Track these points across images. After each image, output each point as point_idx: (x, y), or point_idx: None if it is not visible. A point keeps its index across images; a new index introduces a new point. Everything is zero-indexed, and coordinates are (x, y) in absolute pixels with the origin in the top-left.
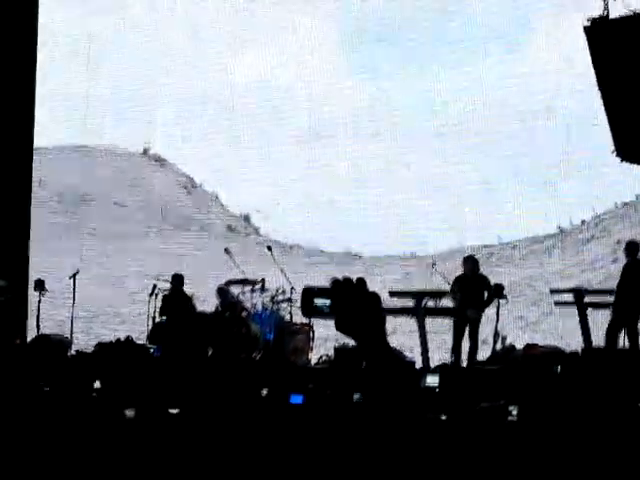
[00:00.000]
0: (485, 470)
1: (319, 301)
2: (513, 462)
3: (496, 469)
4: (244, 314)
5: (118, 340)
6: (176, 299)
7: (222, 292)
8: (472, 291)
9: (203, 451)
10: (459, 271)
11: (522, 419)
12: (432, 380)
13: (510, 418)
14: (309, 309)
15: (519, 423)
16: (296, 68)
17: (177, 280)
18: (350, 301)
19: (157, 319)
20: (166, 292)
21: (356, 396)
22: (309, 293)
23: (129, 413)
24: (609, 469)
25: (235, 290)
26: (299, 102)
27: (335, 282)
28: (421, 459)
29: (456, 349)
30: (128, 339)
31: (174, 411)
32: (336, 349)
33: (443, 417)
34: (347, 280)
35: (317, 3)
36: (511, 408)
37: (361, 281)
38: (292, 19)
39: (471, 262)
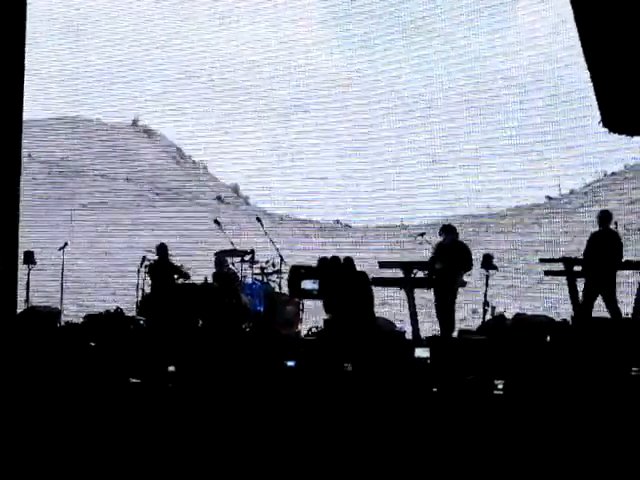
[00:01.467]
0: (471, 443)
1: (307, 283)
2: (499, 436)
3: (482, 443)
4: (237, 285)
5: (107, 312)
6: (161, 269)
7: (219, 261)
8: (451, 258)
9: (197, 421)
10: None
11: (509, 391)
12: (423, 353)
13: (496, 391)
14: (296, 290)
15: (505, 396)
16: (280, 40)
17: (162, 250)
18: (338, 281)
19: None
20: (151, 262)
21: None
22: (296, 273)
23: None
24: (601, 441)
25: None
26: (287, 74)
27: (322, 261)
28: (410, 432)
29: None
30: (117, 311)
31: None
32: (325, 321)
33: (434, 389)
34: (335, 259)
35: None
36: (497, 382)
37: (349, 260)
38: None
39: (448, 230)
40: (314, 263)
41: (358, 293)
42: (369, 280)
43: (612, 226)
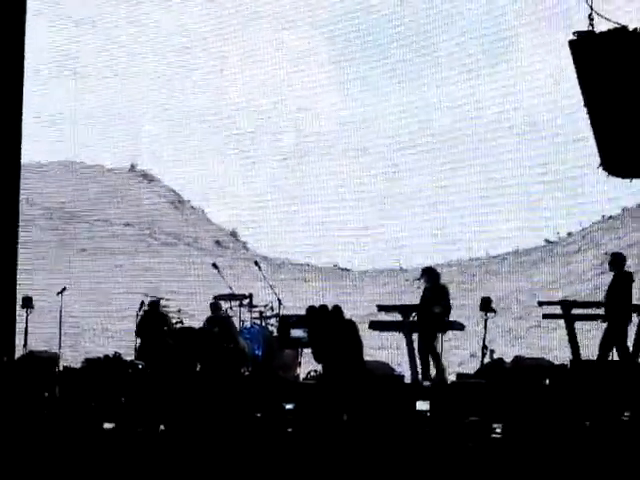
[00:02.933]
0: None
1: (296, 332)
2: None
3: None
4: (233, 329)
5: (106, 357)
6: (153, 319)
7: (214, 307)
8: (431, 302)
9: (192, 467)
10: (445, 284)
11: (507, 434)
12: (423, 405)
13: (494, 435)
14: (286, 340)
15: (504, 439)
16: (282, 85)
17: (153, 306)
18: (326, 330)
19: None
20: (143, 311)
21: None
22: (286, 323)
23: (110, 426)
24: None
25: (223, 305)
26: (287, 119)
27: (311, 310)
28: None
29: (419, 363)
30: (116, 355)
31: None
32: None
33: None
34: (323, 308)
35: (305, 20)
36: (495, 425)
37: (337, 309)
38: (280, 36)
39: (428, 273)
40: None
41: (346, 342)
42: (357, 328)
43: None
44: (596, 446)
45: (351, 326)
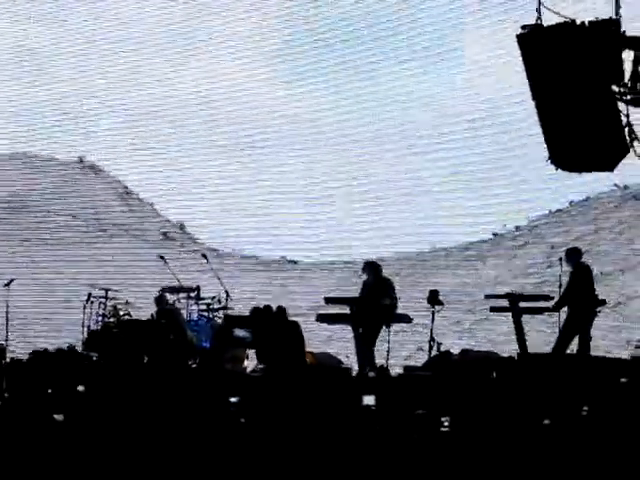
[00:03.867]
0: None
1: (240, 332)
2: (446, 471)
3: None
4: (181, 320)
5: (60, 349)
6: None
7: (159, 299)
8: (375, 295)
9: (141, 457)
10: (392, 277)
11: (455, 427)
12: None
13: (443, 428)
14: (229, 340)
15: (452, 432)
16: (232, 79)
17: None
18: (270, 331)
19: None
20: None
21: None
22: (229, 322)
23: (58, 418)
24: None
25: (171, 298)
26: (235, 111)
27: (255, 311)
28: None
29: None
30: (70, 348)
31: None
32: None
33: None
34: (267, 308)
35: (253, 13)
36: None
37: (281, 310)
38: (230, 30)
39: (370, 267)
40: (260, 299)
41: (290, 343)
42: (301, 330)
43: (556, 262)
44: (547, 439)
45: (295, 327)
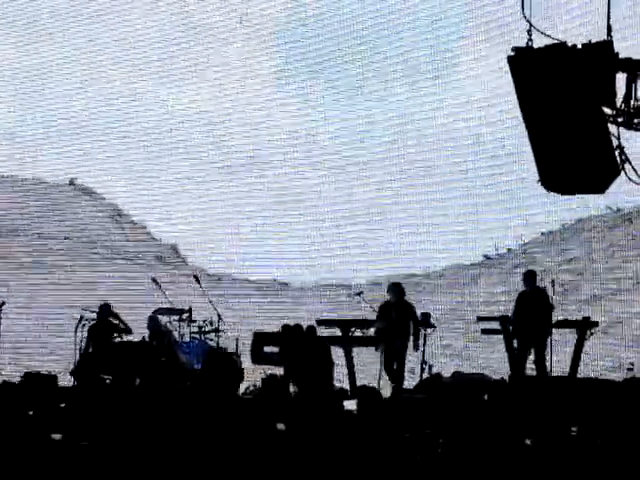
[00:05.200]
0: None
1: (269, 349)
2: None
3: None
4: (173, 341)
5: (49, 373)
6: (101, 329)
7: (152, 320)
8: (397, 318)
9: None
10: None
11: (447, 449)
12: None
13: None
14: (258, 356)
15: (444, 453)
16: (227, 102)
17: (103, 311)
18: (300, 350)
19: (83, 350)
20: (93, 322)
21: (280, 426)
22: (259, 339)
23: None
24: None
25: (163, 319)
26: (227, 134)
27: (285, 328)
28: None
29: (387, 375)
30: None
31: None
32: (263, 379)
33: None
34: (298, 327)
35: (249, 35)
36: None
37: (311, 329)
38: (225, 51)
39: (394, 289)
40: (252, 322)
41: (320, 362)
42: (329, 350)
43: (547, 284)
44: (538, 461)
45: (324, 347)
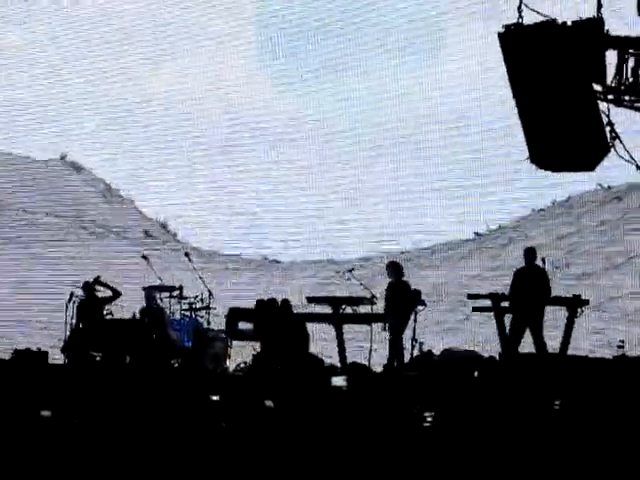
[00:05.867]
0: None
1: (244, 326)
2: (427, 468)
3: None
4: (165, 320)
5: (39, 349)
6: (89, 306)
7: (149, 296)
8: (395, 297)
9: (124, 455)
10: (375, 277)
11: (437, 425)
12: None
13: (425, 424)
14: (233, 332)
15: (434, 429)
16: (213, 78)
17: (86, 288)
18: (274, 323)
19: (74, 327)
20: (81, 299)
21: (268, 402)
22: (234, 315)
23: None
24: (524, 474)
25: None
26: (217, 109)
27: (259, 303)
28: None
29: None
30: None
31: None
32: (254, 356)
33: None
34: (271, 301)
35: (232, 11)
36: (426, 414)
37: (286, 303)
38: (208, 29)
39: (392, 267)
40: (243, 299)
41: (295, 336)
42: (305, 324)
43: (539, 262)
44: (525, 434)
45: (299, 320)
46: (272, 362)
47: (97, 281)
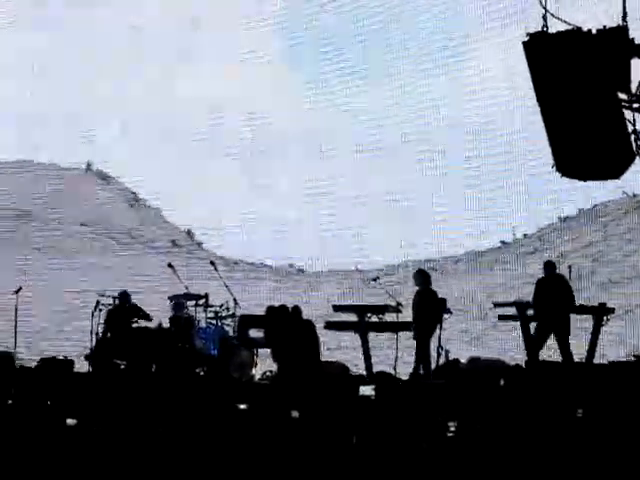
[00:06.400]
0: None
1: (255, 332)
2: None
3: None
4: (192, 329)
5: (65, 358)
6: (120, 315)
7: (178, 304)
8: (422, 305)
9: (149, 463)
10: (401, 285)
11: (462, 433)
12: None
13: (449, 434)
14: (244, 340)
15: (458, 437)
16: (239, 84)
17: (123, 297)
18: (285, 330)
19: (100, 334)
20: (110, 307)
21: (295, 413)
22: (245, 322)
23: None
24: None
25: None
26: (242, 119)
27: (270, 310)
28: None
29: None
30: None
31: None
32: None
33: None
34: (282, 308)
35: (260, 17)
36: (450, 424)
37: (296, 309)
38: (235, 34)
39: (419, 275)
40: (262, 313)
41: (305, 342)
42: (315, 328)
43: (564, 270)
44: (550, 443)
45: (309, 326)
46: (294, 371)
47: (135, 312)
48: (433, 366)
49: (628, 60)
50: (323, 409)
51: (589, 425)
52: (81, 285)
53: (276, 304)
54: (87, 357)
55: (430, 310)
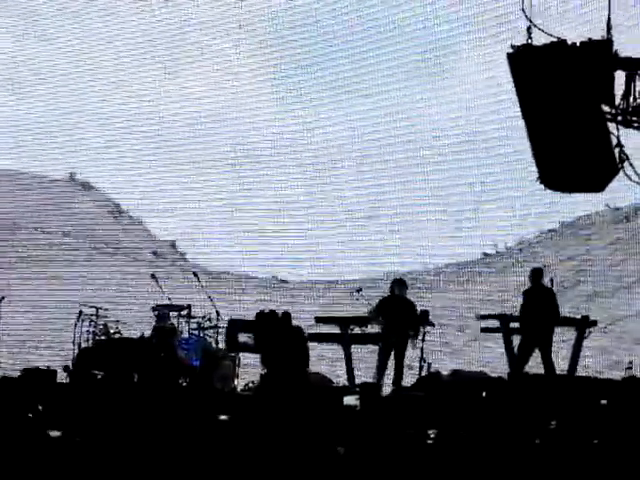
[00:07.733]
0: None
1: (244, 337)
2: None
3: None
4: (174, 339)
5: (48, 368)
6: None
7: (161, 315)
8: (396, 314)
9: (132, 474)
10: (383, 297)
11: (441, 442)
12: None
13: (429, 442)
14: (233, 344)
15: (437, 446)
16: (222, 97)
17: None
18: (274, 335)
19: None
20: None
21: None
22: (234, 327)
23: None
24: None
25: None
26: (224, 129)
27: (260, 315)
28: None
29: (380, 371)
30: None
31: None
32: (262, 375)
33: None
34: (272, 313)
35: (240, 31)
36: (430, 432)
37: (286, 315)
38: (217, 47)
39: (398, 284)
40: (251, 318)
41: (293, 348)
42: (305, 335)
43: (547, 282)
44: (536, 458)
45: (299, 332)
46: (279, 379)
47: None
48: (415, 379)
49: (612, 73)
50: (307, 419)
51: (561, 437)
52: (63, 295)
53: (266, 309)
54: (65, 368)
55: (403, 319)
